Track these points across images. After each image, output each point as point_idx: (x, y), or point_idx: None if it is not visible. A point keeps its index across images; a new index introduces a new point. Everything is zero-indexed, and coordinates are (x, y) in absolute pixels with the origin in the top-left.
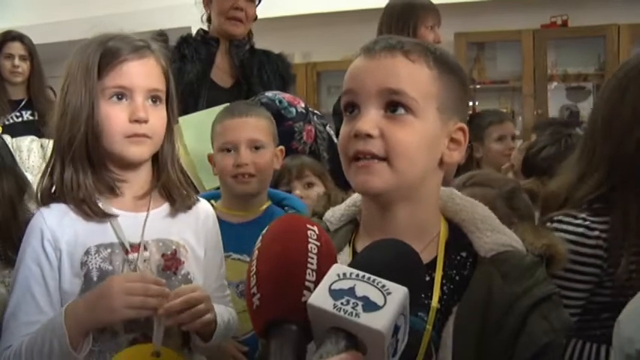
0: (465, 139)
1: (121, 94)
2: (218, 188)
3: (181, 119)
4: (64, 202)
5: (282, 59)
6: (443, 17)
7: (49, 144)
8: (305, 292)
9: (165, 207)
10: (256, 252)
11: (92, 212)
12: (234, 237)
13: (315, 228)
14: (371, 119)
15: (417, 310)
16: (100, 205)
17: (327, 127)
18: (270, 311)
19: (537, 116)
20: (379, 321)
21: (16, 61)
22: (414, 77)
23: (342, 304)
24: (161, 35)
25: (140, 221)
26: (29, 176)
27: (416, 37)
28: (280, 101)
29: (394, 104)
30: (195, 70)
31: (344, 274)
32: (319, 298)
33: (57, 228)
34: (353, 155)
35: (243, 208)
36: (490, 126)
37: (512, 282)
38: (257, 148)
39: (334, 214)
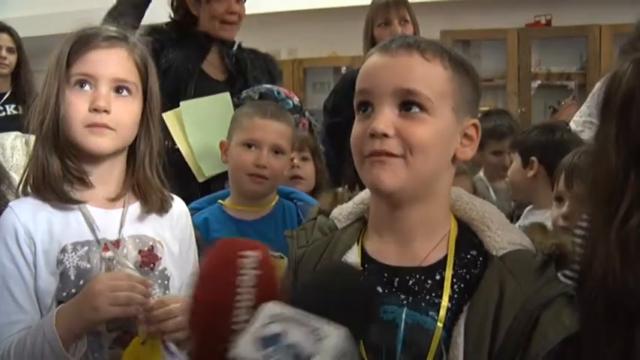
0: (478, 135)
1: (85, 81)
2: (217, 176)
3: (182, 104)
4: (38, 194)
5: (269, 58)
6: (429, 15)
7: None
8: (235, 336)
9: (135, 208)
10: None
11: (59, 198)
12: (253, 234)
13: (254, 254)
14: (386, 118)
15: (427, 309)
16: (70, 194)
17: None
18: None
19: (521, 114)
20: None
21: (3, 53)
22: (429, 77)
23: (269, 354)
24: (158, 29)
25: (114, 218)
26: (13, 175)
27: (374, 39)
28: (278, 92)
29: (409, 103)
30: (189, 53)
31: (276, 315)
32: (244, 348)
33: (31, 224)
34: (368, 154)
35: (253, 204)
36: (490, 137)
37: (523, 281)
38: (277, 152)
39: (342, 212)
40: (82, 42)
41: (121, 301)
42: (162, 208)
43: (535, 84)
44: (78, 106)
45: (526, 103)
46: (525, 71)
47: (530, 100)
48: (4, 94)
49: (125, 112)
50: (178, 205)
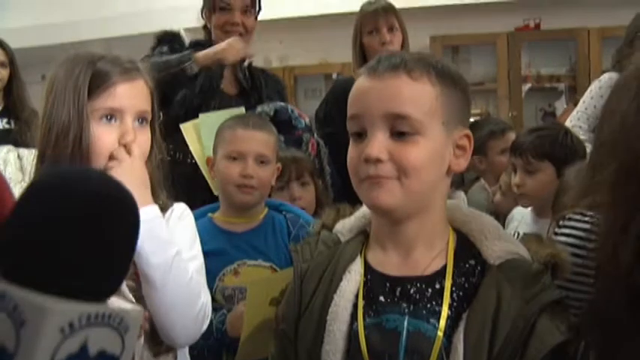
0: (471, 145)
1: (111, 115)
2: None
3: (201, 116)
4: None
5: (278, 79)
6: (418, 21)
7: (28, 154)
8: None
9: None
10: None
11: None
12: (243, 245)
13: None
14: (379, 143)
15: (428, 317)
16: None
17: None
18: None
19: (512, 118)
20: None
21: None
22: (418, 98)
23: None
24: (174, 35)
25: None
26: None
27: (363, 46)
28: (292, 111)
29: (400, 126)
30: (210, 75)
31: (70, 326)
32: None
33: None
34: (364, 178)
35: (243, 216)
36: (491, 139)
37: (520, 288)
38: (262, 162)
39: (344, 226)
40: (101, 77)
41: None
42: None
43: (525, 87)
44: (106, 140)
45: (517, 106)
46: (516, 75)
47: (522, 104)
48: None
49: (146, 142)
50: (178, 209)
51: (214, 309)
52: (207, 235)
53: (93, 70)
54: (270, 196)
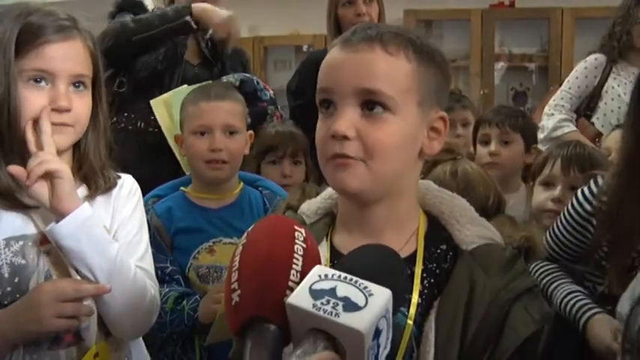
0: (446, 128)
1: (41, 77)
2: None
3: (174, 91)
4: None
5: (241, 50)
6: None
7: None
8: (287, 292)
9: (82, 190)
10: (240, 248)
11: (11, 206)
12: (219, 222)
13: (303, 230)
14: (347, 119)
15: (397, 304)
16: (22, 200)
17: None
18: (250, 309)
19: (483, 96)
20: (359, 321)
21: None
22: (392, 73)
23: (322, 303)
24: (136, 2)
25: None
26: None
27: (338, 18)
28: (258, 82)
29: (371, 103)
30: (175, 42)
31: (325, 275)
32: (299, 297)
33: None
34: (330, 156)
35: (216, 191)
36: None
37: (493, 275)
38: (231, 133)
39: (310, 207)
40: (32, 33)
41: (68, 313)
42: (107, 189)
43: (498, 65)
44: (34, 103)
45: (489, 84)
46: (488, 53)
47: (494, 82)
48: None
49: (83, 108)
50: (126, 184)
51: (187, 294)
52: (181, 211)
53: (22, 24)
54: (245, 168)
